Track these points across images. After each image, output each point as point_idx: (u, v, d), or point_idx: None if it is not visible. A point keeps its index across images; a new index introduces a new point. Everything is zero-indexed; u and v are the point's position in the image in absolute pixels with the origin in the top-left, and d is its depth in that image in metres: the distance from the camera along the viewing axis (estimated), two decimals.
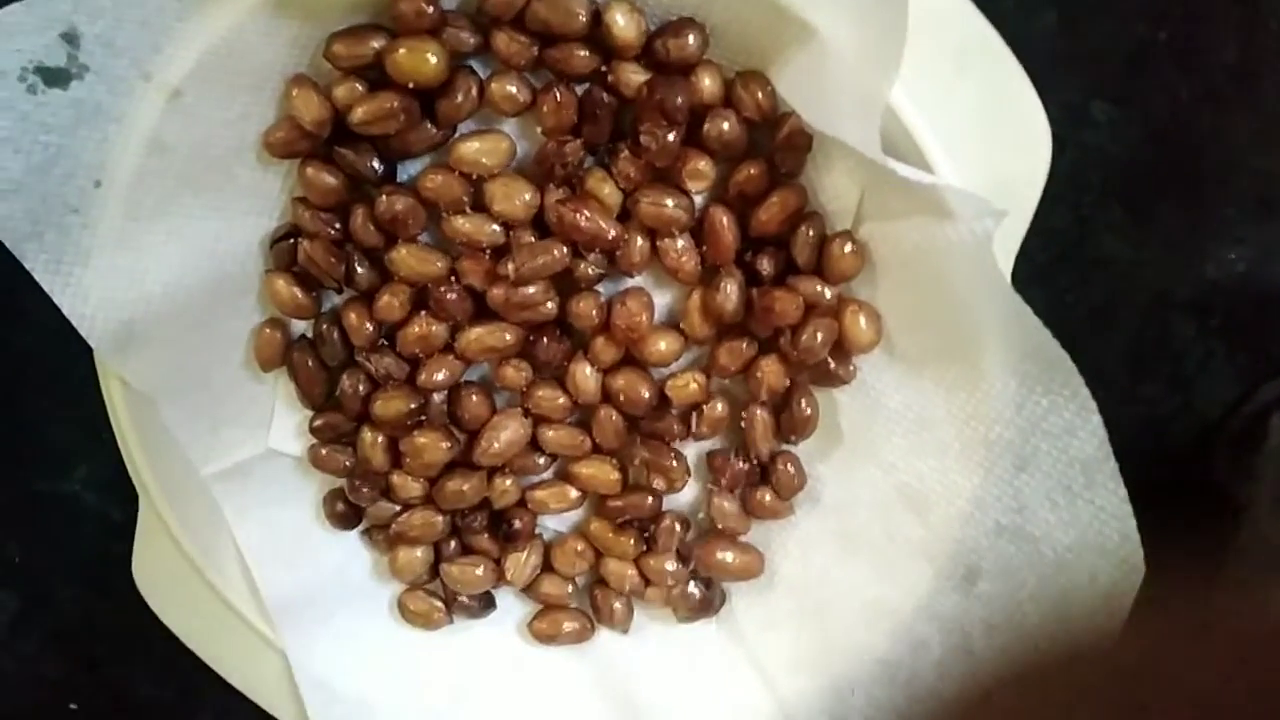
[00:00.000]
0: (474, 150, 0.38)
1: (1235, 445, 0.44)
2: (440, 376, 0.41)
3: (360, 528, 0.45)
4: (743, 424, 0.42)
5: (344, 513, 0.44)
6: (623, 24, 0.36)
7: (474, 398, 0.42)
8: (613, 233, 0.39)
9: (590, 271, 0.40)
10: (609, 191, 0.39)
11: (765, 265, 0.39)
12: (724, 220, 0.39)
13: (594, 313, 0.40)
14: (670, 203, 0.38)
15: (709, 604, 0.44)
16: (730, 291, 0.39)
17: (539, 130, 0.39)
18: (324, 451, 0.43)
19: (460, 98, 0.38)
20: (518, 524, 0.44)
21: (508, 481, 0.43)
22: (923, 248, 0.36)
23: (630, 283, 0.41)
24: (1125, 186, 0.43)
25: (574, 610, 0.46)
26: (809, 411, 0.41)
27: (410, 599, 0.45)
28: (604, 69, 0.37)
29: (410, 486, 0.43)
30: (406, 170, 0.40)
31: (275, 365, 0.42)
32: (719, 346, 0.41)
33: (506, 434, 0.42)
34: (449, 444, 0.42)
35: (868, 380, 0.41)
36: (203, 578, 0.43)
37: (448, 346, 0.41)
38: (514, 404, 0.43)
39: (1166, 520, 0.37)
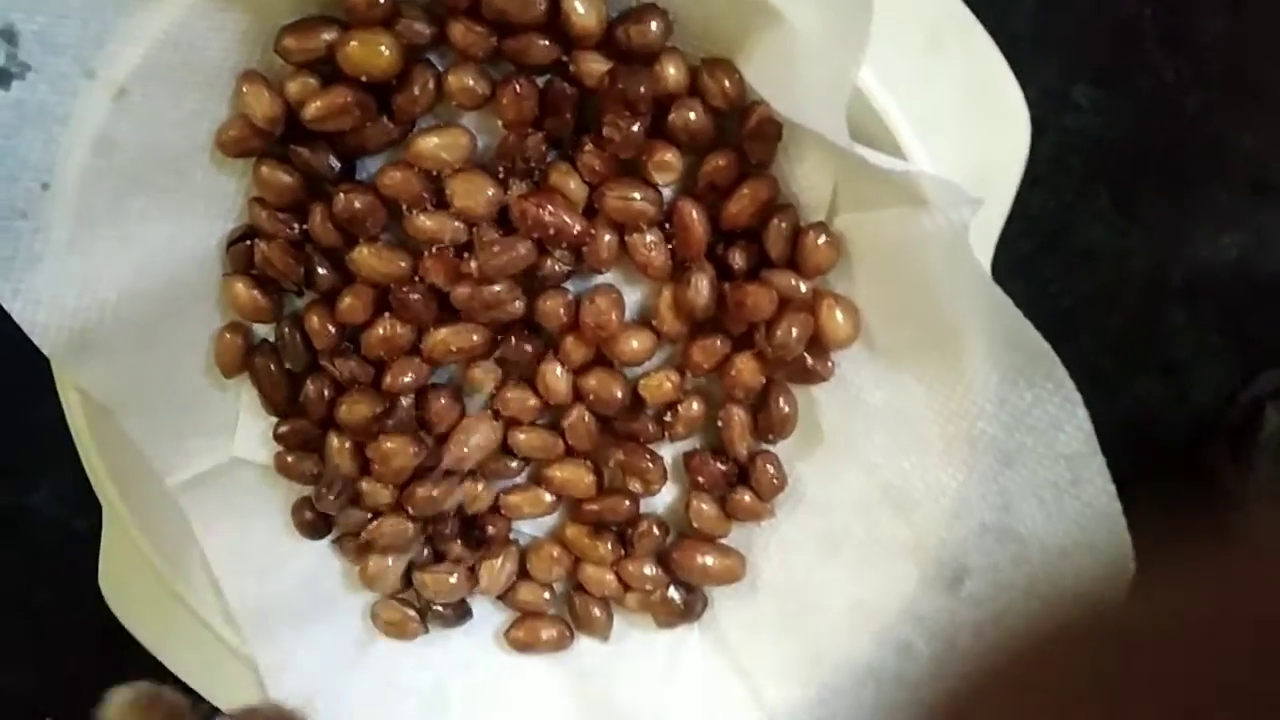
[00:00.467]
0: (433, 145, 0.37)
1: (1231, 437, 0.43)
2: (406, 379, 0.40)
3: (331, 536, 0.44)
4: (719, 423, 0.40)
5: (313, 521, 0.43)
6: (582, 11, 0.35)
7: (442, 401, 0.41)
8: (578, 228, 0.37)
9: (557, 269, 0.38)
10: (574, 185, 0.38)
11: (737, 259, 0.38)
12: (693, 213, 0.37)
13: (562, 311, 0.39)
14: (637, 196, 0.37)
15: (690, 609, 0.43)
16: (701, 287, 0.38)
17: (499, 123, 0.37)
18: (290, 459, 0.42)
19: (417, 91, 0.37)
20: (491, 530, 0.43)
21: (479, 486, 0.42)
22: (898, 239, 0.35)
23: (599, 279, 0.40)
24: (1110, 172, 0.42)
25: (552, 617, 0.44)
26: (787, 410, 0.40)
27: (383, 608, 0.44)
28: (565, 59, 0.36)
29: (379, 493, 0.42)
30: (366, 168, 0.39)
31: (237, 371, 0.41)
32: (692, 344, 0.39)
33: (476, 437, 0.41)
34: (417, 449, 0.41)
35: (847, 376, 0.39)
36: (170, 590, 0.42)
37: (413, 348, 0.40)
38: (484, 406, 0.41)
39: (1159, 514, 0.36)
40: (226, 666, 0.43)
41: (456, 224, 0.38)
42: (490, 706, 0.44)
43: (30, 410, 0.47)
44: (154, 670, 0.42)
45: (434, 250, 0.38)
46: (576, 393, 0.40)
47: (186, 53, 0.35)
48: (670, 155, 0.37)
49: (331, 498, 0.42)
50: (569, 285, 0.40)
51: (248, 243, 0.39)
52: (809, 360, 0.39)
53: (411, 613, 0.44)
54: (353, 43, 0.35)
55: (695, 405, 0.41)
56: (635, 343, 0.40)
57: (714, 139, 0.37)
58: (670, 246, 0.38)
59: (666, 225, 0.38)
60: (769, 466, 0.41)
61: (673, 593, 0.43)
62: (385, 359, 0.40)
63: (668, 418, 0.41)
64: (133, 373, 0.39)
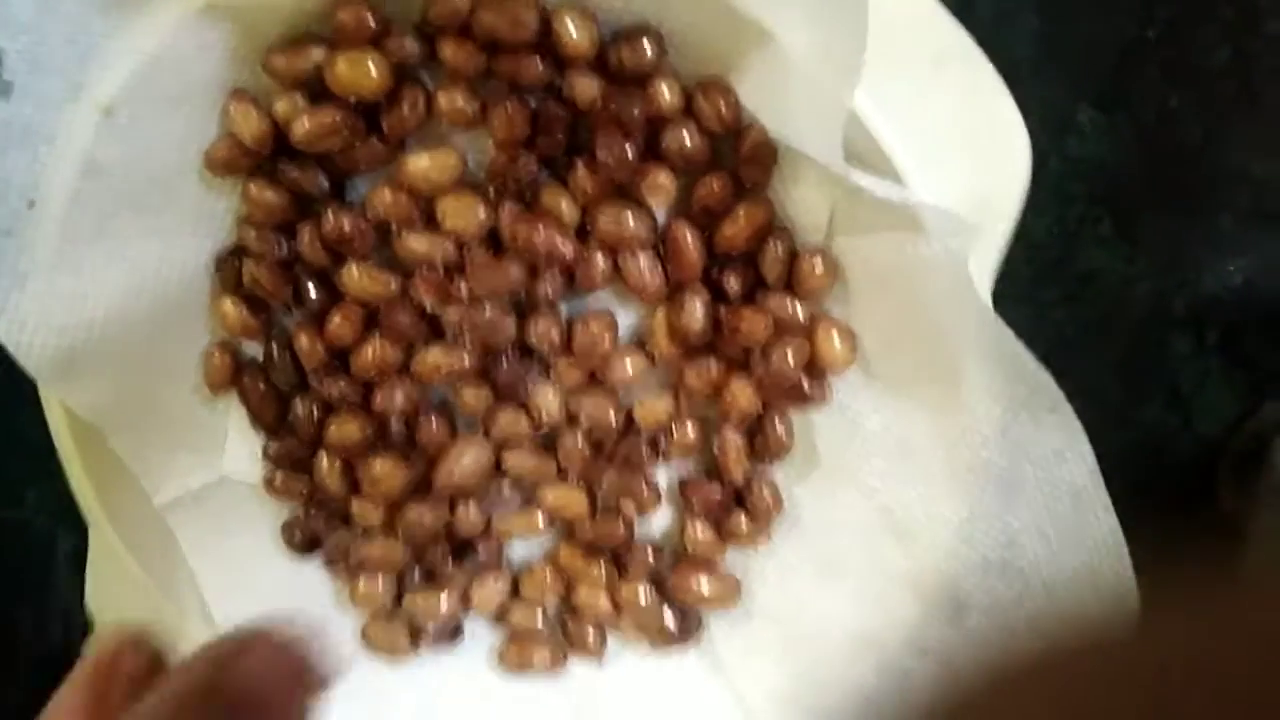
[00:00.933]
0: (423, 166, 0.36)
1: (1238, 468, 0.42)
2: (396, 400, 0.39)
3: (321, 556, 0.43)
4: (715, 448, 0.40)
5: (303, 541, 0.43)
6: (574, 32, 0.34)
7: (433, 422, 0.40)
8: (571, 251, 0.37)
9: (549, 291, 0.38)
10: (566, 207, 0.37)
11: (732, 283, 0.37)
12: (688, 236, 0.37)
13: (554, 333, 0.38)
14: (630, 219, 0.36)
15: (685, 633, 0.42)
16: (696, 311, 0.37)
17: (490, 143, 0.37)
18: (279, 478, 0.41)
19: (406, 111, 0.36)
20: (483, 552, 0.42)
21: (471, 508, 0.41)
22: (896, 265, 0.34)
23: (592, 301, 0.39)
24: (1113, 197, 0.41)
25: (545, 638, 0.44)
26: (783, 434, 0.39)
27: (374, 629, 0.43)
28: (556, 79, 0.36)
29: (370, 514, 0.41)
30: (356, 187, 0.39)
31: (226, 390, 0.40)
32: (687, 368, 0.39)
33: (468, 459, 0.40)
34: (407, 471, 0.40)
35: (844, 401, 0.39)
36: (159, 608, 0.42)
37: (403, 369, 0.39)
38: (475, 428, 0.41)
39: (1166, 548, 0.35)
40: None
41: (447, 245, 0.37)
42: None
43: (14, 420, 0.47)
44: None
45: (424, 271, 0.38)
46: (570, 415, 0.40)
47: (174, 72, 0.35)
48: (664, 178, 0.36)
49: (320, 519, 0.41)
50: (562, 307, 0.39)
51: (236, 261, 0.39)
52: (805, 384, 0.38)
53: (402, 634, 0.43)
54: (341, 62, 0.35)
55: (690, 429, 0.40)
56: (629, 366, 0.39)
57: (708, 161, 0.36)
58: (664, 269, 0.38)
59: (660, 248, 0.38)
60: (765, 490, 0.40)
61: (667, 616, 0.42)
62: (375, 379, 0.39)
63: (662, 441, 0.40)
64: (120, 391, 0.39)
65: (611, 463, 0.41)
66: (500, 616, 0.44)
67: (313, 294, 0.39)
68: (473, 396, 0.40)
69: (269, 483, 0.42)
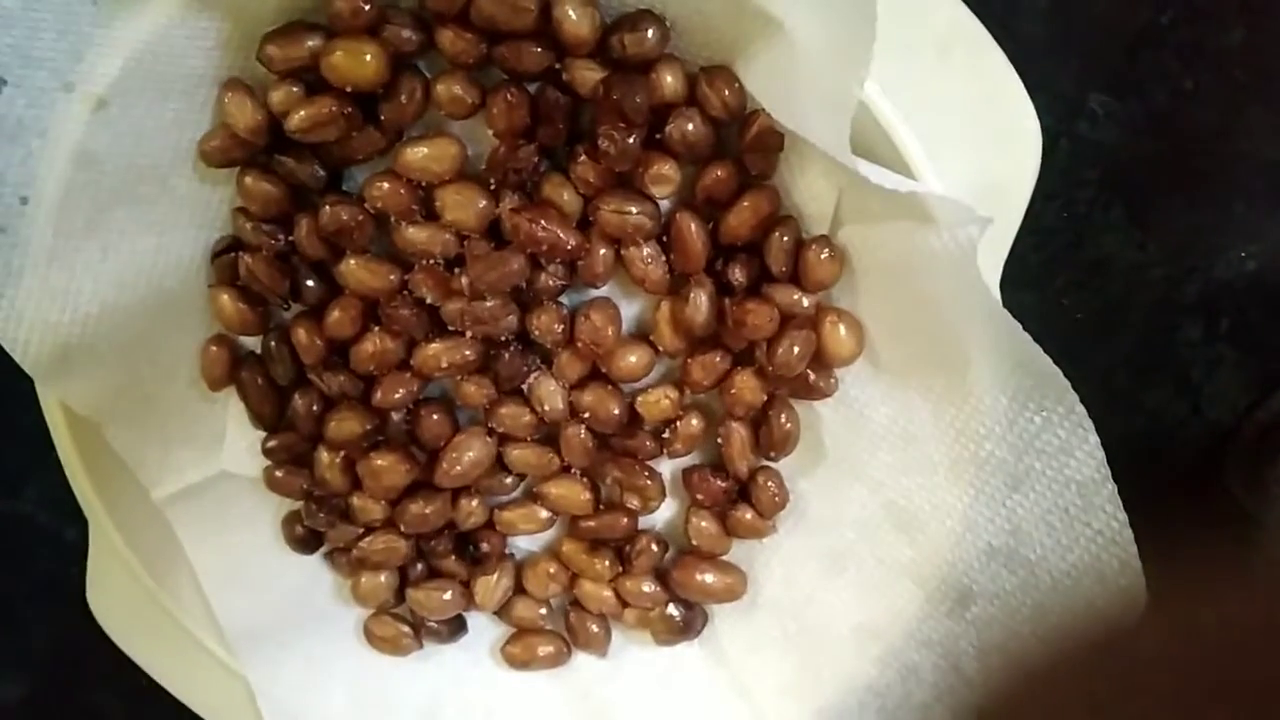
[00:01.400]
0: (421, 156, 0.36)
1: (1249, 456, 0.41)
2: (397, 395, 0.39)
3: (322, 550, 0.43)
4: (719, 440, 0.39)
5: (304, 536, 0.42)
6: (575, 18, 0.33)
7: (434, 416, 0.40)
8: (573, 242, 0.36)
9: (551, 283, 0.37)
10: (568, 197, 0.36)
11: (737, 274, 0.37)
12: (692, 227, 0.36)
13: (557, 326, 0.38)
14: (633, 210, 0.36)
15: (689, 626, 0.42)
16: (700, 303, 0.37)
17: (490, 133, 0.36)
18: (279, 473, 0.41)
19: (404, 100, 0.35)
20: (485, 546, 0.42)
21: (473, 502, 0.41)
22: (904, 255, 0.34)
23: (595, 293, 0.39)
24: (1125, 182, 0.40)
25: (549, 633, 0.44)
26: (789, 426, 0.39)
27: (376, 624, 0.43)
28: (557, 66, 0.35)
29: (371, 509, 0.41)
30: (353, 176, 0.38)
31: (224, 384, 0.40)
32: (691, 360, 0.38)
33: (470, 454, 0.40)
34: (409, 466, 0.40)
35: (851, 393, 0.38)
36: (159, 604, 0.41)
37: (404, 363, 0.39)
38: (477, 422, 0.40)
39: (1176, 535, 0.35)
40: (217, 680, 0.42)
41: (447, 236, 0.37)
42: None
43: (14, 413, 0.46)
44: (142, 683, 0.42)
45: (424, 264, 0.37)
46: (573, 409, 0.39)
47: (166, 62, 0.34)
48: (668, 168, 0.35)
49: (321, 515, 0.41)
50: (564, 299, 0.38)
51: (232, 254, 0.38)
52: (811, 376, 0.38)
53: (405, 628, 0.43)
54: (337, 52, 0.34)
55: (694, 421, 0.39)
56: (632, 358, 0.38)
57: (713, 150, 0.36)
58: (668, 260, 0.37)
59: (664, 238, 0.37)
60: (770, 483, 0.40)
61: (672, 610, 0.42)
62: (375, 374, 0.39)
63: (666, 434, 0.40)
64: (117, 386, 0.38)
65: (615, 456, 0.40)
66: (504, 611, 0.43)
67: (310, 287, 0.38)
68: (474, 390, 0.39)
69: (269, 477, 0.41)
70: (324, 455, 0.40)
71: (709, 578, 0.41)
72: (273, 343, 0.39)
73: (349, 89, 0.35)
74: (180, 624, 0.42)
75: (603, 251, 0.37)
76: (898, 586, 0.39)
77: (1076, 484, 0.34)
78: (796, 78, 0.32)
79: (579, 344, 0.38)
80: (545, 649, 0.43)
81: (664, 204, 0.37)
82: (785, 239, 0.36)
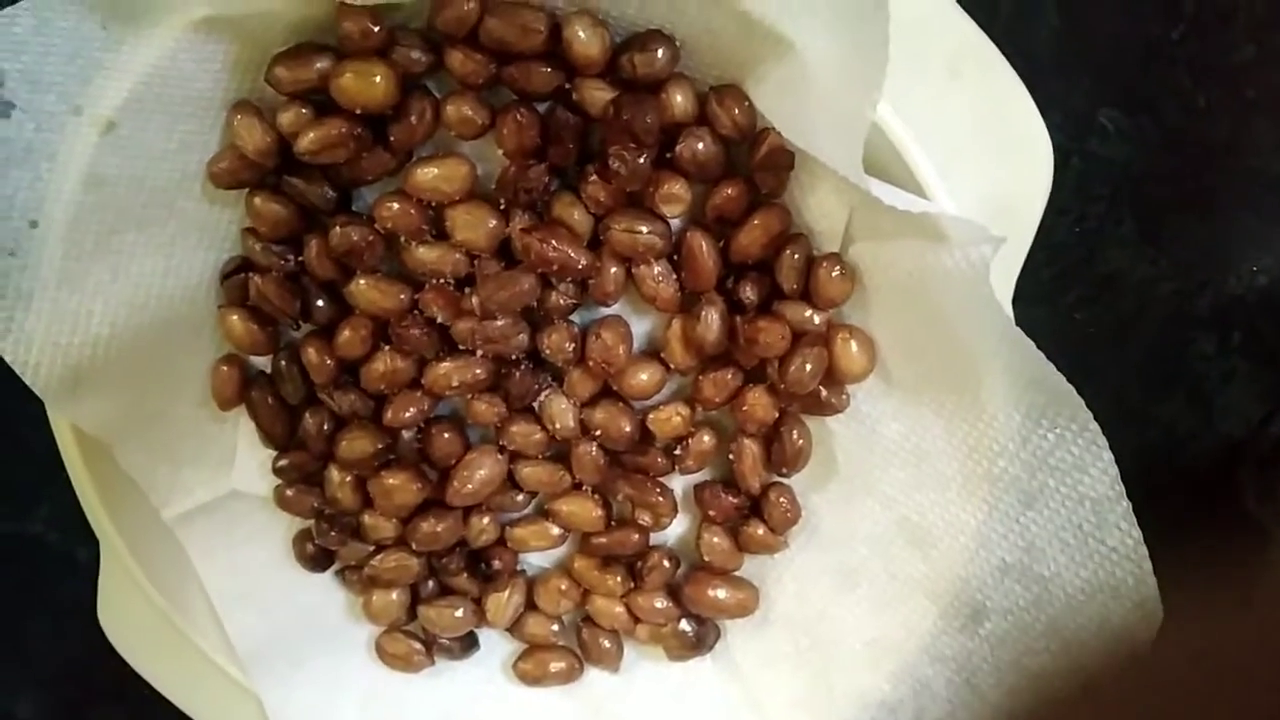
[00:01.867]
0: (431, 176, 0.36)
1: (1261, 469, 0.41)
2: (408, 414, 0.39)
3: (334, 568, 0.43)
4: (731, 456, 0.39)
5: (315, 554, 0.42)
6: (584, 39, 0.33)
7: (445, 435, 0.40)
8: (584, 262, 0.36)
9: (562, 302, 0.37)
10: (578, 217, 0.36)
11: (748, 292, 0.37)
12: (703, 245, 0.36)
13: (568, 345, 0.38)
14: (644, 229, 0.36)
15: (702, 642, 0.42)
16: (712, 321, 0.37)
17: (500, 153, 0.36)
18: (290, 493, 0.41)
19: (414, 121, 0.35)
20: (497, 564, 0.42)
21: (485, 520, 0.41)
22: (916, 273, 0.33)
23: (606, 311, 0.38)
24: (1136, 198, 0.40)
25: (561, 649, 0.43)
26: (800, 443, 0.39)
27: (388, 641, 0.43)
28: (567, 86, 0.35)
29: (382, 527, 0.41)
30: (363, 196, 0.38)
31: (234, 404, 0.40)
32: (703, 377, 0.38)
33: (481, 472, 0.40)
34: (420, 485, 0.40)
35: (863, 409, 0.38)
36: (171, 623, 0.41)
37: (415, 382, 0.39)
38: (488, 440, 0.40)
39: (1189, 550, 0.35)
40: (230, 700, 0.42)
41: (457, 256, 0.37)
42: None
43: (25, 433, 0.46)
44: (154, 702, 0.42)
45: (434, 283, 0.37)
46: (584, 426, 0.39)
47: (175, 85, 0.34)
48: (678, 187, 0.35)
49: (333, 533, 0.41)
50: (575, 317, 0.38)
51: (242, 275, 0.38)
52: (823, 393, 0.37)
53: (417, 645, 0.43)
54: (347, 73, 0.34)
55: (706, 438, 0.39)
56: (644, 376, 0.38)
57: (723, 168, 0.35)
58: (679, 278, 0.37)
59: (675, 257, 0.37)
60: (782, 499, 0.40)
61: (684, 625, 0.42)
62: (386, 393, 0.39)
63: (678, 451, 0.40)
64: (128, 407, 0.38)
65: (626, 473, 0.40)
66: (516, 628, 0.43)
67: (321, 307, 0.38)
68: (485, 408, 0.39)
69: (279, 496, 0.41)
70: (335, 474, 0.40)
71: (721, 593, 0.41)
72: (283, 362, 0.39)
73: (358, 110, 0.34)
74: (192, 642, 0.41)
75: (614, 270, 0.37)
76: (911, 602, 0.38)
77: (1090, 501, 0.34)
78: (808, 98, 0.32)
79: (590, 362, 0.38)
80: (557, 665, 0.43)
81: (675, 223, 0.37)
82: (796, 257, 0.36)
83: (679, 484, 0.41)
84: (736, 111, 0.34)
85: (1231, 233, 0.40)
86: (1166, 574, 0.33)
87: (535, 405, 0.39)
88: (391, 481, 0.39)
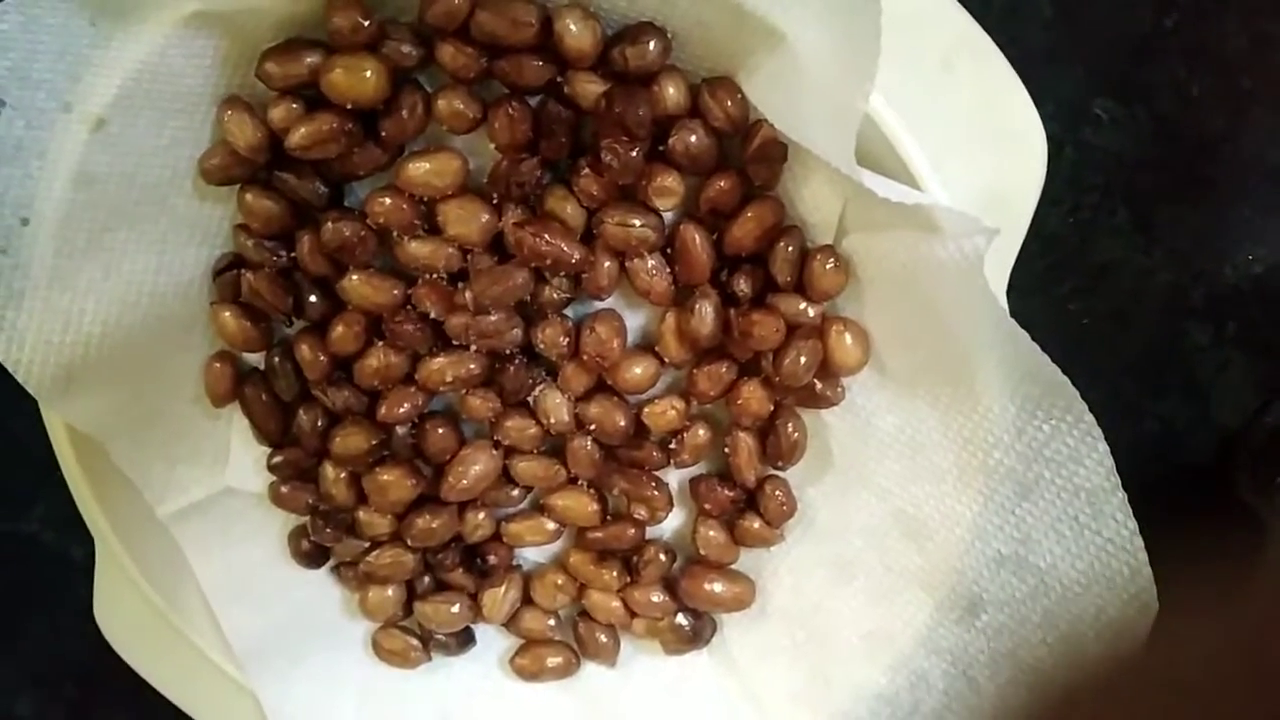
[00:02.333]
0: (423, 171, 0.36)
1: (1257, 459, 0.41)
2: (402, 410, 0.39)
3: (329, 564, 0.43)
4: (726, 450, 0.39)
5: (310, 550, 0.42)
6: (576, 32, 0.33)
7: (440, 430, 0.40)
8: (577, 256, 0.36)
9: (555, 296, 0.37)
10: (571, 211, 0.36)
11: (742, 285, 0.36)
12: (696, 238, 0.36)
13: (562, 339, 0.38)
14: (637, 222, 0.36)
15: (698, 635, 0.42)
16: (706, 314, 0.37)
17: (492, 147, 0.36)
18: (285, 489, 0.41)
19: (405, 115, 0.35)
20: (493, 559, 0.42)
21: (480, 515, 0.41)
22: (910, 264, 0.33)
23: (599, 305, 0.38)
24: (1130, 188, 0.40)
25: (557, 644, 0.43)
26: (796, 436, 0.38)
27: (385, 637, 0.43)
28: (559, 79, 0.35)
29: (377, 523, 0.41)
30: (355, 192, 0.38)
31: (227, 401, 0.40)
32: (697, 371, 0.38)
33: (476, 467, 0.40)
34: (415, 481, 0.40)
35: (857, 401, 0.38)
36: (167, 620, 0.41)
37: (409, 377, 0.39)
38: (483, 435, 0.40)
39: (1185, 540, 0.35)
40: (227, 697, 0.42)
41: (450, 251, 0.37)
42: None
43: (19, 432, 0.46)
44: (152, 700, 0.42)
45: (427, 278, 0.37)
46: (579, 421, 0.39)
47: (165, 81, 0.34)
48: (671, 180, 0.35)
49: (328, 529, 0.41)
50: (569, 311, 0.38)
51: (234, 272, 0.38)
52: (818, 385, 0.37)
53: (414, 641, 0.43)
54: (337, 68, 0.34)
55: (701, 432, 0.39)
56: (638, 370, 0.38)
57: (716, 161, 0.35)
58: (672, 272, 0.37)
59: (668, 250, 0.37)
60: (778, 492, 0.39)
61: (680, 619, 0.42)
62: (379, 389, 0.39)
63: (673, 445, 0.39)
64: (121, 404, 0.38)
65: (621, 467, 0.40)
66: (512, 623, 0.43)
67: (313, 303, 0.38)
68: (480, 403, 0.39)
69: (274, 493, 0.41)
70: (329, 470, 0.40)
71: (717, 587, 0.41)
72: (276, 359, 0.39)
73: (349, 105, 0.34)
74: (188, 640, 0.41)
75: (607, 264, 0.37)
76: (907, 594, 0.38)
77: (1086, 492, 0.34)
78: (800, 90, 0.32)
79: (584, 356, 0.38)
80: (554, 660, 0.43)
81: (668, 216, 0.36)
82: (790, 249, 0.36)
83: (674, 478, 0.41)
84: (729, 104, 0.34)
85: (1226, 223, 0.40)
86: (1162, 565, 0.33)
87: (530, 400, 0.39)
88: (386, 477, 0.39)
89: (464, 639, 0.43)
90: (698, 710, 0.43)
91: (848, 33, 0.29)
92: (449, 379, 0.38)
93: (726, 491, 0.40)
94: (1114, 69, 0.39)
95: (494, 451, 0.40)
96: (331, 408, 0.39)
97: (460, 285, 0.37)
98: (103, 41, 0.33)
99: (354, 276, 0.37)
